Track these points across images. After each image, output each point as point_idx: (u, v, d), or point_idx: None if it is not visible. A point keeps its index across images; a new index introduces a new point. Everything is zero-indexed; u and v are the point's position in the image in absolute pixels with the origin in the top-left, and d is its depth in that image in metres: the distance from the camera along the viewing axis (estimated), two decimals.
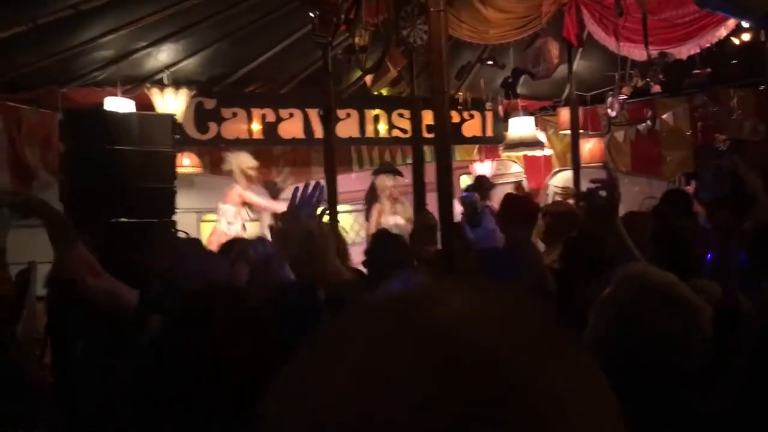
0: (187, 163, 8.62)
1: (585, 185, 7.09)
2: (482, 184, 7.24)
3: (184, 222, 8.17)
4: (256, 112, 8.91)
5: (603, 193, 2.23)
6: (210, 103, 8.62)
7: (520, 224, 4.01)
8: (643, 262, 2.23)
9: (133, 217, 6.14)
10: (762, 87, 7.23)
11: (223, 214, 7.93)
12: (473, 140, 10.00)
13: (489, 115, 9.76)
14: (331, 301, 1.99)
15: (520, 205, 4.17)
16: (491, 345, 0.40)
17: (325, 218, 6.53)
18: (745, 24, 6.32)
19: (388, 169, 7.89)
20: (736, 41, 6.71)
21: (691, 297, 1.39)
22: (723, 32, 6.56)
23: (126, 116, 6.53)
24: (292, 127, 9.07)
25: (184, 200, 8.41)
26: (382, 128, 9.54)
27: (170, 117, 6.81)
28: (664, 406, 1.33)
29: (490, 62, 7.69)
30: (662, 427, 1.32)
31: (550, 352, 0.42)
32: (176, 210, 6.91)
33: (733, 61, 6.84)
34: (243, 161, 8.09)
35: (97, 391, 2.31)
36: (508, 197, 4.33)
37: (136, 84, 8.00)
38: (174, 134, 6.49)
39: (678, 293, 1.39)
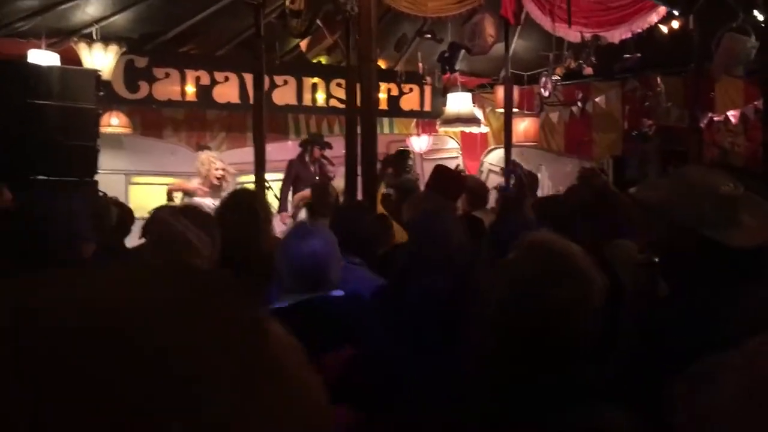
0: (115, 122, 8.36)
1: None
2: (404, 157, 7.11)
3: (112, 183, 7.93)
4: (190, 74, 8.67)
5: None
6: (141, 62, 8.35)
7: (445, 193, 4.07)
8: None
9: (52, 175, 5.91)
10: (686, 73, 7.43)
11: None
12: (411, 114, 10.00)
13: (428, 89, 9.78)
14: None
15: (448, 176, 4.22)
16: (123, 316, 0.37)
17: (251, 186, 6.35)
18: (675, 11, 6.47)
19: (316, 140, 7.73)
20: (665, 29, 6.86)
21: (587, 268, 1.41)
22: (654, 18, 6.70)
23: (47, 70, 6.24)
24: (227, 91, 8.88)
25: (111, 161, 8.17)
26: (320, 97, 9.44)
27: (94, 72, 6.55)
28: (554, 373, 1.35)
29: (428, 35, 7.66)
30: (553, 392, 1.34)
31: (194, 326, 0.38)
32: (101, 170, 6.69)
33: (661, 48, 6.99)
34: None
35: None
36: (437, 168, 4.37)
37: (62, 37, 7.67)
38: (98, 91, 6.25)
39: (576, 263, 1.41)
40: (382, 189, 5.00)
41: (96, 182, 6.27)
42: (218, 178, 6.93)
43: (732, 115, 8.15)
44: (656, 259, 2.35)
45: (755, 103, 7.97)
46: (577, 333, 1.40)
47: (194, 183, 7.22)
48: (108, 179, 7.61)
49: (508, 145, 7.61)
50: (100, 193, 5.44)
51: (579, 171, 4.47)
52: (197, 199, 7.23)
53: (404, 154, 7.22)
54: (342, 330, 2.02)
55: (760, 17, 5.85)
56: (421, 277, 2.48)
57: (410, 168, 6.90)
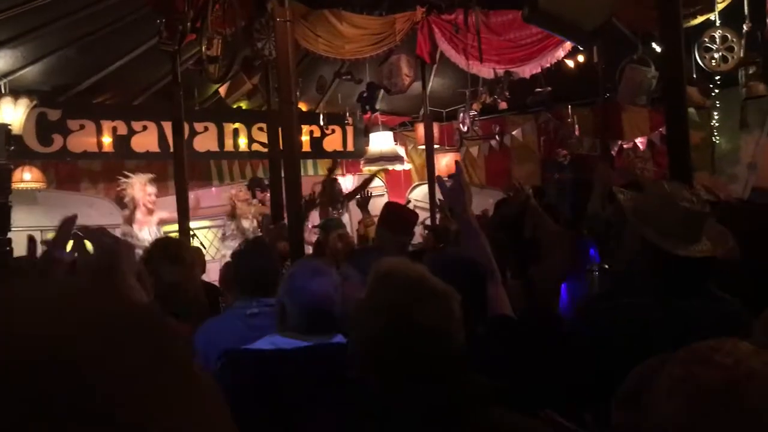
0: (28, 177, 8.05)
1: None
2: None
3: (26, 240, 7.62)
4: (107, 124, 8.48)
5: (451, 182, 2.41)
6: (54, 114, 8.11)
7: (401, 231, 4.10)
8: (484, 244, 2.30)
9: None
10: (594, 104, 7.80)
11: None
12: (334, 154, 10.06)
13: (350, 129, 9.88)
14: None
15: (401, 213, 4.26)
16: (60, 340, 0.36)
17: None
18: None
19: (258, 183, 7.84)
20: (571, 63, 7.20)
21: (442, 286, 1.44)
22: (561, 53, 7.02)
23: None
24: (146, 140, 8.71)
25: (25, 217, 7.83)
26: (242, 142, 9.38)
27: (3, 127, 6.34)
28: (439, 392, 1.36)
29: (347, 77, 7.78)
30: (438, 410, 1.35)
31: (129, 349, 0.37)
32: (14, 227, 6.42)
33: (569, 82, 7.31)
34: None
35: None
36: (388, 206, 4.40)
37: None
38: (8, 146, 6.04)
39: (429, 284, 1.43)
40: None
41: (9, 240, 6.01)
42: (149, 206, 6.81)
43: (640, 142, 8.58)
44: (605, 266, 2.43)
45: (660, 129, 8.43)
46: (451, 345, 1.41)
47: (126, 213, 7.00)
48: (23, 236, 7.31)
49: (431, 181, 7.75)
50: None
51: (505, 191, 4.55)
52: (137, 232, 7.02)
53: (334, 181, 7.34)
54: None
55: (658, 49, 6.22)
56: None
57: (339, 191, 7.02)
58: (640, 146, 8.50)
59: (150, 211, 7.13)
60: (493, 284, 2.15)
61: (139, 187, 7.13)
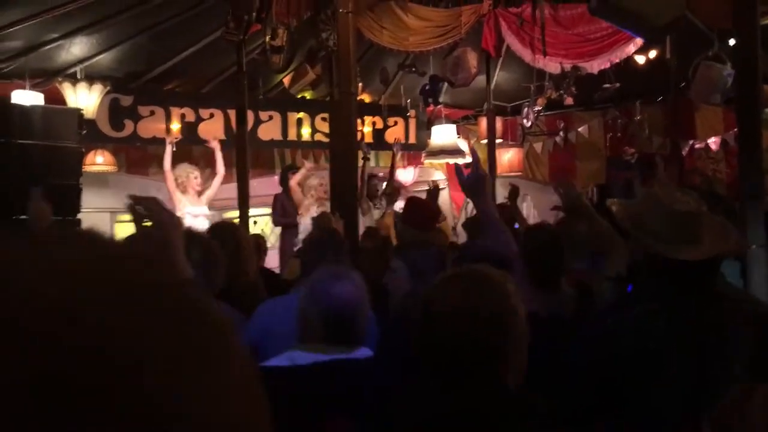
0: (100, 161, 8.36)
1: (501, 195, 7.26)
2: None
3: (97, 222, 7.90)
4: (175, 111, 8.71)
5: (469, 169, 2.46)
6: (126, 100, 8.38)
7: (420, 226, 4.07)
8: (505, 234, 2.29)
9: None
10: (661, 99, 7.53)
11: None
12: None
13: (412, 122, 9.85)
14: None
15: (422, 209, 4.23)
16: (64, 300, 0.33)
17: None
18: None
19: (289, 167, 7.98)
20: (642, 58, 6.96)
21: (503, 280, 1.43)
22: (632, 48, 6.79)
23: (28, 109, 6.25)
24: (212, 128, 8.90)
25: (96, 199, 8.14)
26: (306, 131, 9.48)
27: (76, 111, 6.57)
28: (475, 382, 1.33)
29: (413, 69, 7.74)
30: (473, 401, 1.32)
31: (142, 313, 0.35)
32: (86, 209, 6.67)
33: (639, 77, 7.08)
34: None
35: None
36: (409, 201, 4.37)
37: (46, 78, 7.70)
38: (80, 129, 6.25)
39: (488, 275, 1.42)
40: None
41: (79, 221, 6.24)
42: (197, 188, 6.95)
43: (712, 142, 8.24)
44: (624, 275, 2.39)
45: (735, 129, 8.07)
46: (494, 339, 1.37)
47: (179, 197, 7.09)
48: (93, 217, 7.59)
49: (492, 176, 7.65)
50: None
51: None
52: (192, 208, 7.12)
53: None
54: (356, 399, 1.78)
55: None
56: None
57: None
58: (713, 146, 8.17)
59: (199, 193, 7.24)
60: (511, 275, 2.12)
61: (183, 172, 7.17)
